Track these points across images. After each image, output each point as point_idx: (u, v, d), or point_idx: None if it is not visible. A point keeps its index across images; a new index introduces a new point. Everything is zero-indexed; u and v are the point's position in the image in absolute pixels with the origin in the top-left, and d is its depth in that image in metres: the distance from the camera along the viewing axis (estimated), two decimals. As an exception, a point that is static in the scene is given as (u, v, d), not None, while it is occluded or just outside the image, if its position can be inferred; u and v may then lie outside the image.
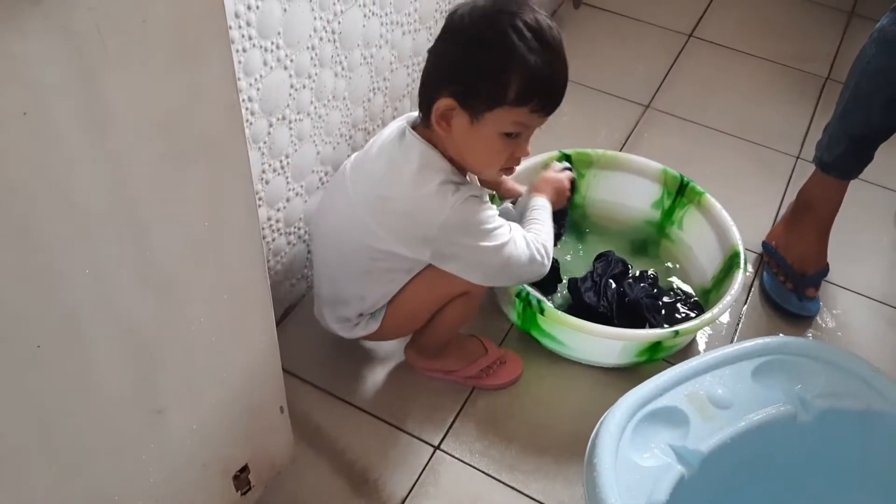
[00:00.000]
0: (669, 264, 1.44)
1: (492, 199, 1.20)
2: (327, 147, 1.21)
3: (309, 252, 1.29)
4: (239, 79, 0.95)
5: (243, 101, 0.98)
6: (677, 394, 0.98)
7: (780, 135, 1.77)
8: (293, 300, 1.32)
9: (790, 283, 1.42)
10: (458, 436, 1.19)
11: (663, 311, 1.32)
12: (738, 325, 1.39)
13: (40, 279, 0.56)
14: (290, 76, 1.05)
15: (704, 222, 1.39)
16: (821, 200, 1.40)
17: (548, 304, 1.19)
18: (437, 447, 1.17)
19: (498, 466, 1.16)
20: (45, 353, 0.59)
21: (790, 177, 1.67)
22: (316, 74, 1.10)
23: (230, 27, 0.90)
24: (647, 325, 1.27)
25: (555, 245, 1.14)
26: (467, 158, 1.01)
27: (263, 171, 1.09)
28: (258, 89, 1.00)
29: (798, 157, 1.72)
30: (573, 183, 1.23)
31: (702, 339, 1.36)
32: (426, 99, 0.99)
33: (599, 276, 1.31)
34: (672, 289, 1.38)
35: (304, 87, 1.09)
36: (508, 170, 1.03)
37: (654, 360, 1.27)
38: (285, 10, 0.98)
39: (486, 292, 1.14)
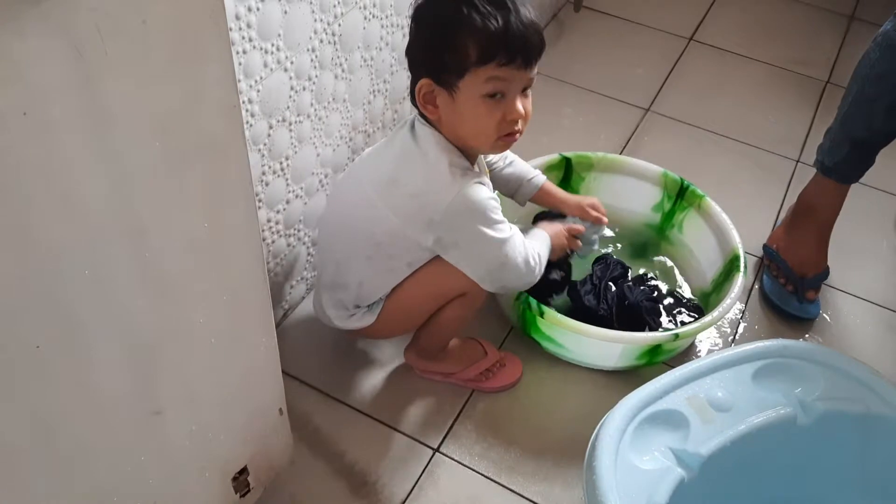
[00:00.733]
0: (670, 266, 1.44)
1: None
2: (327, 149, 1.21)
3: (309, 254, 1.30)
4: (239, 80, 0.95)
5: (243, 102, 0.98)
6: (677, 397, 0.98)
7: (779, 138, 1.77)
8: (293, 302, 1.32)
9: (790, 285, 1.42)
10: (458, 438, 1.19)
11: (663, 314, 1.32)
12: (737, 328, 1.39)
13: (40, 279, 0.56)
14: (291, 78, 1.05)
15: (704, 225, 1.39)
16: (821, 204, 1.41)
17: (547, 308, 1.19)
18: (437, 449, 1.17)
19: (497, 469, 1.16)
20: (45, 354, 0.59)
21: (790, 180, 1.67)
22: (316, 76, 1.11)
23: (230, 29, 0.90)
24: (647, 328, 1.27)
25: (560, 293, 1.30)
26: (461, 133, 1.02)
27: (263, 173, 1.09)
28: (258, 91, 1.00)
29: (798, 161, 1.72)
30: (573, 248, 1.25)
31: (702, 342, 1.36)
32: (412, 91, 1.02)
33: (599, 278, 1.31)
34: (672, 292, 1.38)
35: (304, 88, 1.09)
36: (509, 136, 1.02)
37: (653, 363, 1.27)
38: (286, 12, 0.99)
39: (487, 296, 1.14)
